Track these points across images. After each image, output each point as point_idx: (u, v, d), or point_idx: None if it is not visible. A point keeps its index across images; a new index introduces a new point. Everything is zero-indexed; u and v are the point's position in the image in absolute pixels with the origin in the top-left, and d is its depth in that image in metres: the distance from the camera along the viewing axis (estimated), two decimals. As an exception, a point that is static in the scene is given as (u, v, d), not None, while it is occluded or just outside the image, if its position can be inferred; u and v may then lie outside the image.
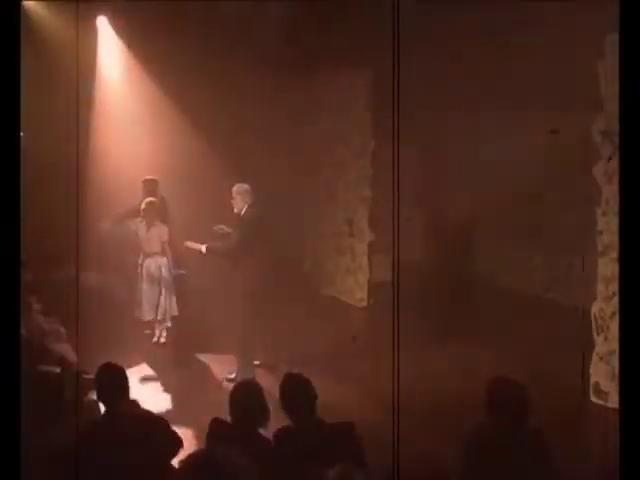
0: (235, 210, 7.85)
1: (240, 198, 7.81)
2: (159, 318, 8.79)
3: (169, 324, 8.96)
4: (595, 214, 6.50)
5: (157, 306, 8.74)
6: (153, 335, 8.87)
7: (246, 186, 7.90)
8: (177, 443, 4.02)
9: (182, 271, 9.11)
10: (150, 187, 9.13)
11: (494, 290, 8.76)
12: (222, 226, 8.05)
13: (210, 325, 8.77)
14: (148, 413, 4.16)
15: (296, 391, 4.03)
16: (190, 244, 8.12)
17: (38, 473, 3.80)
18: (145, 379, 7.62)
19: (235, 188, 7.89)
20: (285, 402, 4.03)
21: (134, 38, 10.07)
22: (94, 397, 4.20)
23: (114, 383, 4.08)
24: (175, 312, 8.92)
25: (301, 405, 3.99)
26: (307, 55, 9.63)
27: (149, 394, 7.01)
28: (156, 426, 4.04)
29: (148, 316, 8.79)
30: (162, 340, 8.86)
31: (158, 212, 8.73)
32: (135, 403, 4.17)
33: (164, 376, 7.85)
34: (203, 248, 7.80)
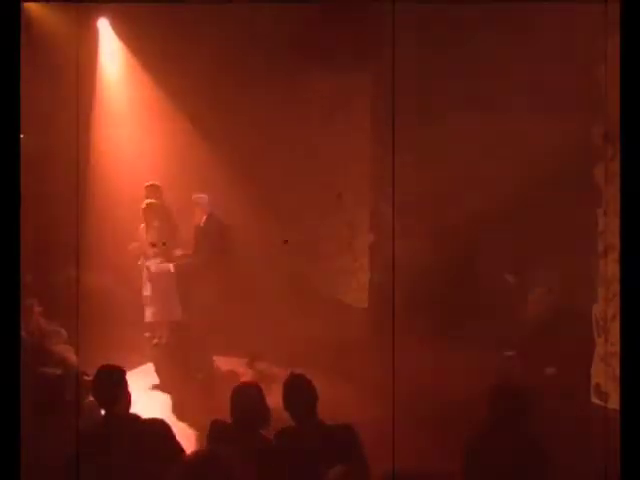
0: (195, 221, 7.88)
1: (199, 209, 7.86)
2: (161, 319, 8.78)
3: (171, 326, 8.97)
4: (596, 215, 6.50)
5: (159, 307, 8.73)
6: (154, 337, 8.85)
7: (203, 196, 7.94)
8: (178, 453, 3.98)
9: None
10: (153, 193, 9.10)
11: (495, 290, 8.73)
12: (180, 252, 8.12)
13: (210, 326, 8.77)
14: (153, 420, 4.12)
15: (298, 391, 4.03)
16: (157, 267, 8.32)
17: (38, 474, 3.80)
18: (146, 379, 7.62)
19: (192, 199, 7.93)
20: (287, 402, 4.03)
21: (135, 40, 10.08)
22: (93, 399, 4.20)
23: (113, 384, 4.07)
24: (178, 313, 8.93)
25: (302, 405, 4.00)
26: (307, 55, 9.63)
27: (150, 396, 7.03)
28: (159, 434, 4.02)
29: (150, 317, 8.78)
30: (164, 341, 8.84)
31: (158, 213, 8.71)
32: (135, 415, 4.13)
33: (165, 377, 7.84)
34: (171, 267, 8.05)
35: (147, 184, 9.15)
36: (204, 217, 7.93)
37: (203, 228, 7.89)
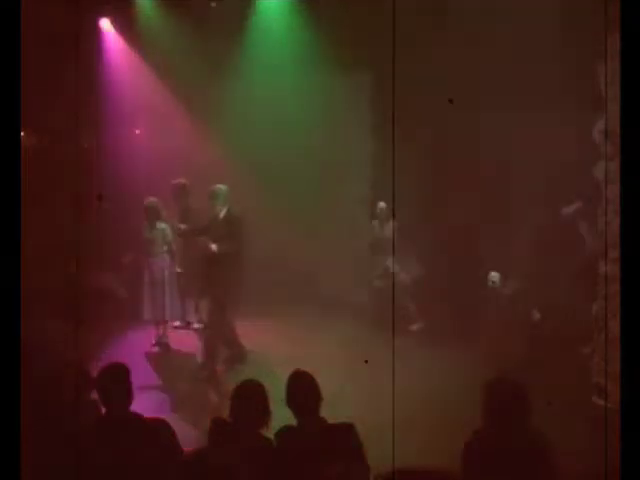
0: (213, 213, 7.74)
1: (219, 200, 7.71)
2: (163, 319, 8.78)
3: (176, 324, 9.00)
4: (595, 214, 6.51)
5: (160, 307, 8.72)
6: (157, 335, 8.85)
7: (223, 187, 7.80)
8: (177, 451, 4.00)
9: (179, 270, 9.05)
10: (179, 190, 9.10)
11: (495, 290, 8.73)
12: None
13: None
14: (154, 419, 4.13)
15: (301, 388, 4.03)
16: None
17: (38, 474, 3.80)
18: (147, 379, 7.60)
19: (212, 190, 7.78)
20: (290, 399, 4.03)
21: (136, 36, 10.11)
22: (95, 397, 4.20)
23: (116, 382, 4.07)
24: (178, 312, 8.95)
25: (305, 403, 3.99)
26: (307, 55, 9.66)
27: (150, 395, 7.03)
28: (158, 431, 4.03)
29: (151, 316, 8.78)
30: (165, 340, 8.84)
31: (160, 212, 8.68)
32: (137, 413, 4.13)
33: (166, 376, 7.84)
34: (214, 247, 7.66)
35: (173, 182, 9.15)
36: (224, 209, 7.77)
37: (223, 221, 7.72)
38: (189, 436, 5.66)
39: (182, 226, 8.35)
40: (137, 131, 10.89)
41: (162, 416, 4.24)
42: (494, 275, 7.86)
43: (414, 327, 9.06)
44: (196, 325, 9.31)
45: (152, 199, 8.69)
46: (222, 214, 7.71)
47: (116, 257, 9.49)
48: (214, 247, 7.63)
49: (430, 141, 8.98)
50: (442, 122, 8.67)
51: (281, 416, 4.05)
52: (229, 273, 7.68)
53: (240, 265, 7.90)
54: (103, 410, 4.10)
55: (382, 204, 9.23)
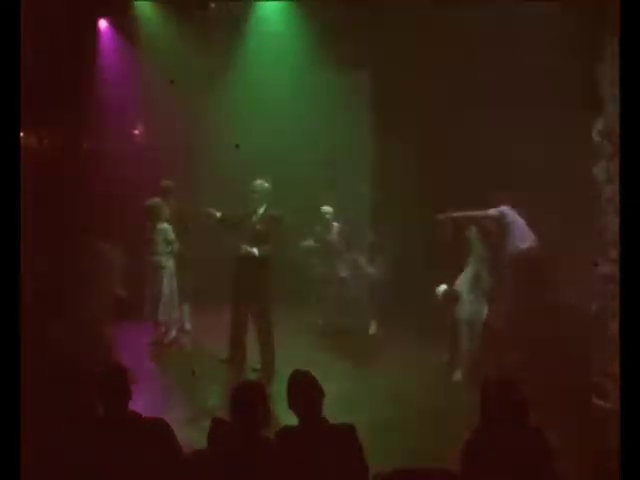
0: (252, 208, 7.51)
1: (259, 196, 7.47)
2: (164, 318, 8.77)
3: (176, 325, 8.99)
4: (595, 214, 6.49)
5: (161, 307, 8.71)
6: (158, 334, 8.84)
7: (266, 183, 7.55)
8: (177, 451, 3.99)
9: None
10: (164, 192, 9.08)
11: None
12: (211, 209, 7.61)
13: (213, 323, 8.77)
14: (153, 419, 4.14)
15: (303, 389, 4.03)
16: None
17: (38, 473, 3.80)
18: (147, 378, 7.61)
19: (256, 185, 7.52)
20: (292, 399, 4.03)
21: (136, 36, 10.11)
22: (94, 397, 4.20)
23: (116, 384, 4.08)
24: (176, 312, 8.94)
25: (307, 403, 3.99)
26: (308, 55, 9.67)
27: (150, 394, 7.03)
28: (157, 431, 4.03)
29: (152, 316, 8.77)
30: (166, 341, 8.84)
31: (162, 212, 8.66)
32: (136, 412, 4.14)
33: (167, 377, 7.84)
34: (255, 251, 7.35)
35: (161, 183, 9.13)
36: (262, 208, 7.51)
37: (258, 221, 7.47)
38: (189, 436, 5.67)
39: (218, 214, 7.65)
40: (136, 131, 10.89)
41: (161, 416, 4.24)
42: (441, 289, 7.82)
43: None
44: (188, 326, 9.29)
45: (154, 199, 8.69)
46: (259, 213, 7.48)
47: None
48: (256, 251, 7.35)
49: (430, 139, 8.98)
50: (442, 120, 8.68)
51: (281, 416, 4.05)
52: (267, 277, 7.51)
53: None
54: (102, 410, 4.10)
55: (327, 208, 9.22)
